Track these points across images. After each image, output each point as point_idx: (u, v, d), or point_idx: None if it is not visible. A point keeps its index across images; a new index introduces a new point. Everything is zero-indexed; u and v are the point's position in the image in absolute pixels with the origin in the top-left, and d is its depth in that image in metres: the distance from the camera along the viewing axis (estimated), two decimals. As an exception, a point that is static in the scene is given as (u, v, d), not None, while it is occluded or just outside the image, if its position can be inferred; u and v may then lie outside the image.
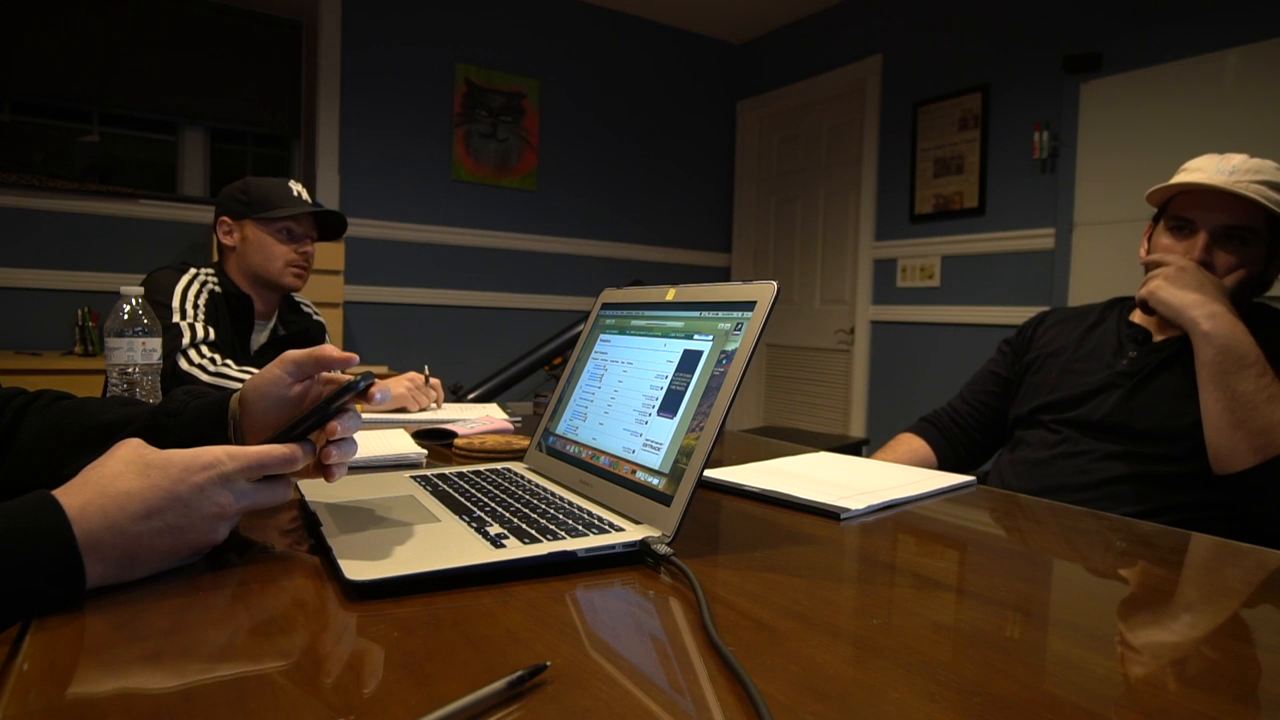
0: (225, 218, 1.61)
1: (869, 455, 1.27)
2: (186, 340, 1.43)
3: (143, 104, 3.26)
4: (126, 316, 1.04)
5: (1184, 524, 0.83)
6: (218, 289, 1.59)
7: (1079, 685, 0.41)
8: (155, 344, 1.07)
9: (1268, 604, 0.59)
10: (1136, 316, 1.27)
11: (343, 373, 0.68)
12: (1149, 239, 1.27)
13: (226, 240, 1.61)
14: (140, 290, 1.08)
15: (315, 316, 1.81)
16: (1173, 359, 1.16)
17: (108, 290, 2.95)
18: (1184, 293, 1.08)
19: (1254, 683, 0.43)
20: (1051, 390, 1.27)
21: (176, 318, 1.47)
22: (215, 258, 1.68)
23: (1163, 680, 0.43)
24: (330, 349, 0.65)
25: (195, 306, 1.51)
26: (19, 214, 2.89)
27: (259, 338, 1.67)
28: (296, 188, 1.63)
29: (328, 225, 1.71)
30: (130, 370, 1.04)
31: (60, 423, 0.69)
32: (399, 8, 3.50)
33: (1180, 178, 1.19)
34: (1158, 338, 1.21)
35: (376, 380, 0.63)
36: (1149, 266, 1.19)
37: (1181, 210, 1.18)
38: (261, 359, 1.66)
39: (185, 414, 0.67)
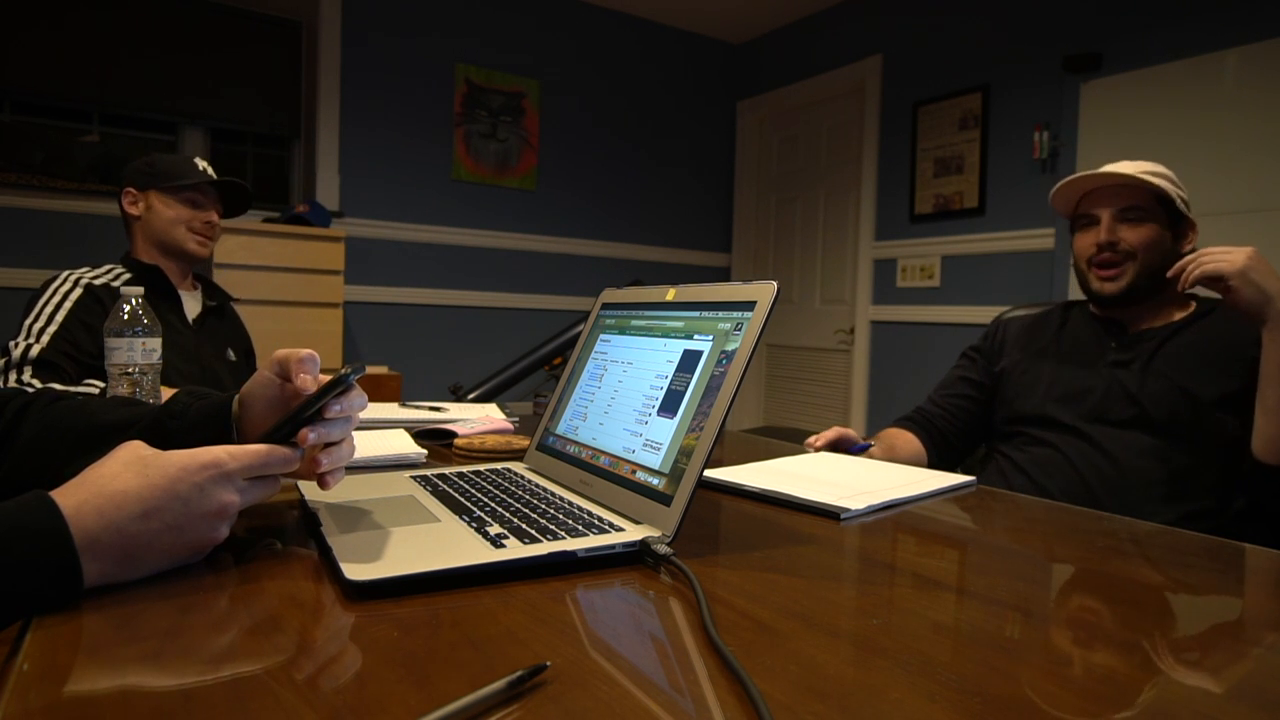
0: (130, 188, 1.62)
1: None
2: (13, 358, 1.36)
3: (143, 104, 3.26)
4: (126, 316, 1.04)
5: (1219, 521, 0.85)
6: (115, 281, 1.54)
7: (1079, 685, 0.41)
8: (155, 344, 1.07)
9: (1268, 603, 0.59)
10: (1095, 309, 1.34)
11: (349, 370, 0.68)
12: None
13: (132, 210, 1.62)
14: (140, 290, 1.08)
15: (232, 301, 1.83)
16: (1158, 350, 1.23)
17: (108, 290, 2.95)
18: (1275, 280, 1.08)
19: (1254, 682, 0.43)
20: (1050, 386, 1.30)
21: (18, 338, 1.40)
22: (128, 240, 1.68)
23: (1163, 680, 0.43)
24: (294, 353, 0.64)
25: (50, 319, 1.42)
26: (19, 214, 2.89)
27: (191, 308, 1.67)
28: (201, 164, 1.65)
29: (232, 202, 1.72)
30: (130, 370, 1.04)
31: (61, 423, 0.68)
32: (399, 8, 3.50)
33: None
34: (1134, 329, 1.28)
35: (365, 371, 0.62)
36: (1100, 263, 1.28)
37: (1082, 210, 1.32)
38: (201, 326, 1.67)
39: (188, 416, 0.67)
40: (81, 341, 1.43)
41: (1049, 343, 1.36)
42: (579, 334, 1.00)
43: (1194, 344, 1.21)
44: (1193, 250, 1.24)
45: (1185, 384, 1.17)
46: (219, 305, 1.74)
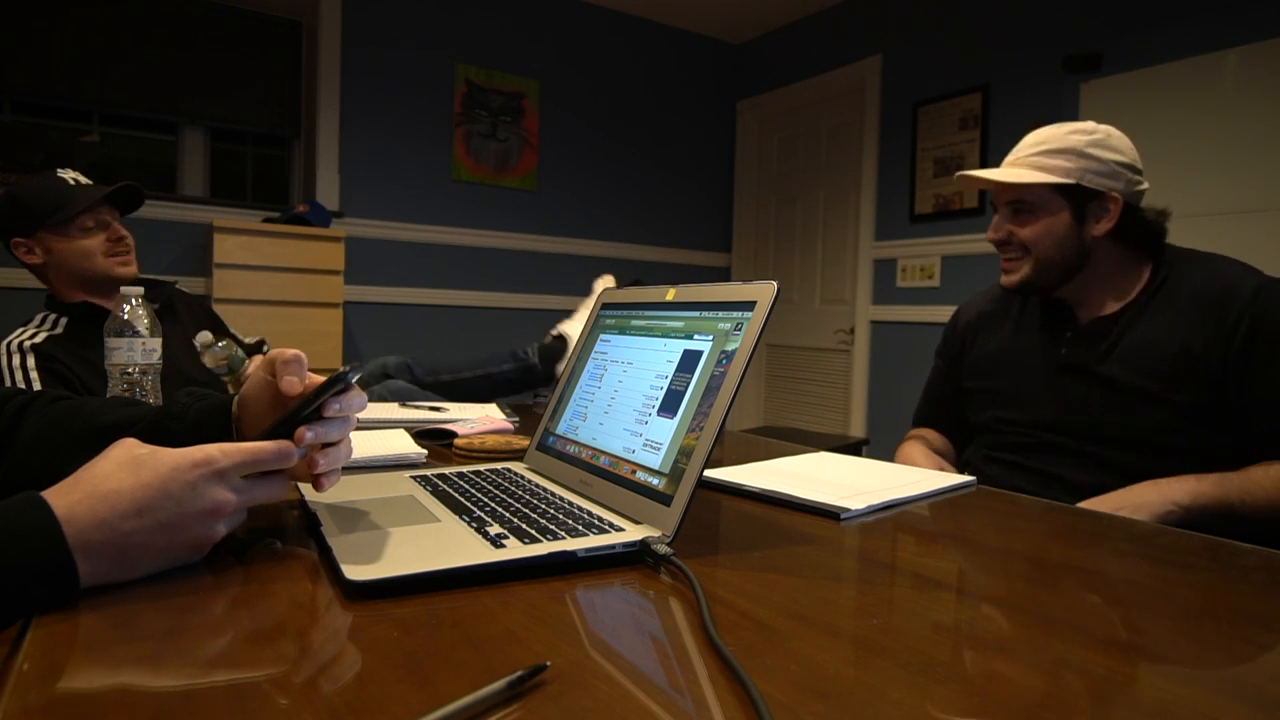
0: (17, 239, 1.45)
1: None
2: None
3: (143, 104, 3.26)
4: (126, 316, 1.04)
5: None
6: (56, 330, 1.45)
7: (1079, 685, 0.41)
8: (155, 344, 1.07)
9: (1268, 604, 0.59)
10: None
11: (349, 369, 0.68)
12: None
13: (30, 260, 1.46)
14: (140, 290, 1.08)
15: (182, 289, 1.71)
16: (1111, 351, 1.16)
17: (108, 290, 2.94)
18: (1152, 495, 1.06)
19: (1254, 683, 0.43)
20: (1000, 396, 1.28)
21: None
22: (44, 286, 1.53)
23: (1163, 680, 0.43)
24: (280, 354, 0.64)
25: (29, 385, 1.34)
26: (19, 214, 2.89)
27: None
28: (70, 176, 1.47)
29: (124, 201, 1.54)
30: (130, 370, 1.04)
31: (61, 423, 0.68)
32: (399, 8, 3.50)
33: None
34: (1085, 319, 1.22)
35: (364, 371, 0.62)
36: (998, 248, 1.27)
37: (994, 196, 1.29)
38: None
39: (188, 416, 0.67)
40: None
41: (1003, 340, 1.31)
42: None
43: (1147, 344, 1.14)
44: (1110, 229, 1.16)
45: (1133, 394, 1.13)
46: (167, 303, 1.63)
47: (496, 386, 1.76)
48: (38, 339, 1.42)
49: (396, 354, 1.79)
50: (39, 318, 1.49)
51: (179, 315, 1.66)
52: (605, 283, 1.94)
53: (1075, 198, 1.17)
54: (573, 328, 1.84)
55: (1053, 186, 1.17)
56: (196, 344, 1.53)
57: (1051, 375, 1.22)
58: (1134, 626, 0.51)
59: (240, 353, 1.47)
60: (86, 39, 3.11)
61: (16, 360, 1.38)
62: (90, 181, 1.49)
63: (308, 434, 0.57)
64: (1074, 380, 1.19)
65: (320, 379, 0.62)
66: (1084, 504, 1.08)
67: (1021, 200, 1.20)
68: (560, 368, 1.75)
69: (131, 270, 1.51)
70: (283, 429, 0.58)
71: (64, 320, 1.48)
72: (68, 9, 3.06)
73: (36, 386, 1.35)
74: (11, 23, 2.97)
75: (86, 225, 1.46)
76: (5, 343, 1.41)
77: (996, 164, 1.38)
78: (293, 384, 0.62)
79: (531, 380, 1.78)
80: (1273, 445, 1.07)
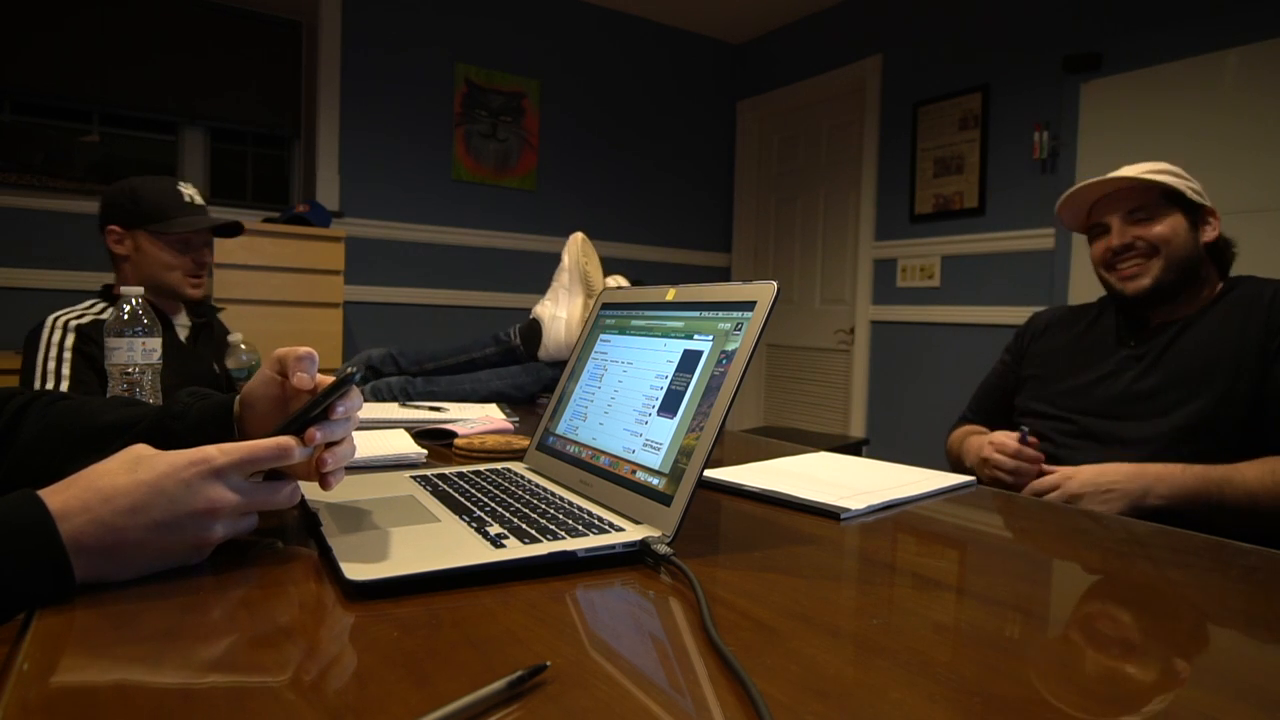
0: (115, 226, 1.53)
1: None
2: None
3: (143, 104, 3.26)
4: (126, 316, 1.04)
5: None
6: (103, 315, 1.47)
7: (1079, 685, 0.41)
8: (155, 344, 1.07)
9: (1268, 603, 0.59)
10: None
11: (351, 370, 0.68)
12: None
13: (118, 249, 1.54)
14: (140, 290, 1.08)
15: (218, 313, 1.77)
16: (1170, 345, 1.22)
17: (108, 290, 2.94)
18: (1118, 498, 1.09)
19: (1255, 682, 0.43)
20: (1058, 381, 1.32)
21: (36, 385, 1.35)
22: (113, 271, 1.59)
23: (1163, 680, 0.43)
24: (292, 351, 0.64)
25: (59, 376, 1.38)
26: (19, 214, 2.89)
27: (182, 331, 1.63)
28: (188, 191, 1.56)
29: (222, 226, 1.63)
30: (130, 370, 1.04)
31: (61, 423, 0.68)
32: (399, 8, 3.50)
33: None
34: (1156, 322, 1.27)
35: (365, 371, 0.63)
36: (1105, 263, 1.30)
37: (1094, 219, 1.33)
38: (195, 343, 1.63)
39: (190, 416, 0.67)
40: (93, 384, 1.40)
41: (1074, 338, 1.37)
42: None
43: (1206, 339, 1.19)
44: (1216, 239, 1.25)
45: (1184, 384, 1.17)
46: (207, 320, 1.69)
47: (480, 370, 1.79)
48: (84, 320, 1.46)
49: (380, 348, 1.81)
50: (89, 301, 1.53)
51: (215, 334, 1.73)
52: (574, 243, 1.97)
53: (1186, 206, 1.25)
54: (544, 309, 1.88)
55: (1165, 194, 1.24)
56: (230, 340, 1.63)
57: (1108, 366, 1.27)
58: (1134, 626, 0.51)
59: (260, 364, 1.49)
60: (86, 39, 3.10)
61: (58, 336, 1.42)
62: (203, 203, 1.59)
63: (318, 434, 0.57)
64: (1129, 370, 1.24)
65: (329, 379, 0.62)
66: (1062, 470, 1.12)
67: (1140, 207, 1.25)
68: (541, 351, 1.79)
69: (200, 293, 1.59)
70: (290, 430, 0.58)
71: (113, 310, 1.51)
72: (68, 9, 3.06)
73: (66, 367, 1.39)
74: (11, 23, 2.97)
75: (183, 239, 1.55)
76: (53, 317, 1.45)
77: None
78: (304, 380, 0.62)
79: (515, 362, 1.80)
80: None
